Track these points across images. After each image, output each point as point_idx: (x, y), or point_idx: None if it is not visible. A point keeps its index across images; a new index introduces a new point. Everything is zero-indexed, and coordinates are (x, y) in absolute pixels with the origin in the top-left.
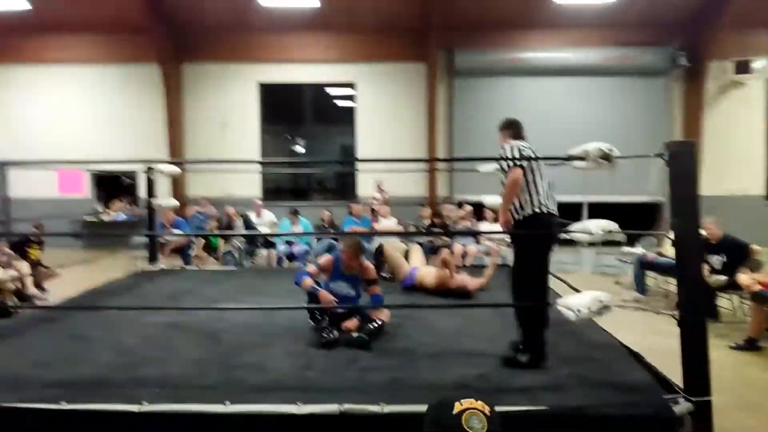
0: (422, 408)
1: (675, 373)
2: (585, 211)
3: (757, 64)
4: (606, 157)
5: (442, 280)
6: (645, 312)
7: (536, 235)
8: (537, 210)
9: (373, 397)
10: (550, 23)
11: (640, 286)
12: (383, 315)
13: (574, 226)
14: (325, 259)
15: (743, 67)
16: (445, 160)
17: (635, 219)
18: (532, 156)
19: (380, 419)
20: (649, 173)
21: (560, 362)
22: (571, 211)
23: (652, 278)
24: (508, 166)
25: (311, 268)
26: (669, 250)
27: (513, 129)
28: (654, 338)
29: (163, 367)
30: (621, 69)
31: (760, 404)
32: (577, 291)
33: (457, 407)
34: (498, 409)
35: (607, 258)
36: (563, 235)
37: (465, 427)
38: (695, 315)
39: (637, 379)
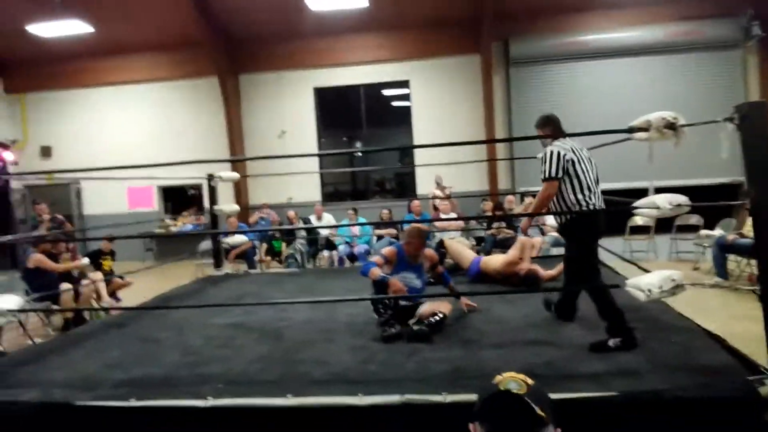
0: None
1: (761, 358)
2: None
3: None
4: (671, 126)
5: (511, 265)
6: (726, 296)
7: (586, 232)
8: (583, 208)
9: (435, 387)
10: (609, 3)
11: (722, 271)
12: (444, 307)
13: (640, 202)
14: (389, 250)
15: None
16: (502, 140)
17: (713, 202)
18: (574, 157)
19: (443, 408)
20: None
21: (633, 349)
22: (636, 197)
23: (734, 262)
24: (546, 172)
25: (376, 258)
26: (751, 231)
27: (551, 126)
28: (737, 323)
29: (227, 364)
30: (689, 44)
31: None
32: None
33: (497, 378)
34: (567, 396)
35: (684, 244)
36: (633, 221)
37: (502, 388)
38: None
39: (718, 361)
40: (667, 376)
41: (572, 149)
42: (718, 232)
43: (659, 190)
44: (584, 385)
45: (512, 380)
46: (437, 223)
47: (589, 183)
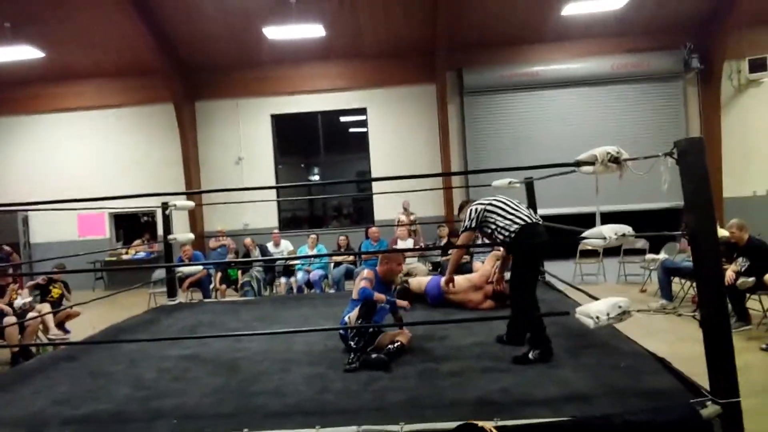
0: (443, 425)
1: (704, 379)
2: (598, 221)
3: None
4: (615, 159)
5: (476, 287)
6: (671, 319)
7: (530, 245)
8: (522, 222)
9: (392, 417)
10: (558, 36)
11: (667, 293)
12: (403, 336)
13: (588, 232)
14: (370, 272)
15: (758, 65)
16: (456, 173)
17: (657, 226)
18: (494, 200)
19: None
20: (665, 182)
21: (584, 372)
22: (585, 222)
23: (678, 284)
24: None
25: (365, 282)
26: None
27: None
28: (682, 345)
29: (180, 398)
30: (634, 75)
31: None
32: (596, 299)
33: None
34: (522, 422)
35: (631, 267)
36: (583, 245)
37: None
38: (717, 314)
39: (664, 384)
40: (616, 401)
41: (489, 199)
42: (662, 255)
43: (606, 215)
44: (538, 411)
45: None
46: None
47: (513, 212)
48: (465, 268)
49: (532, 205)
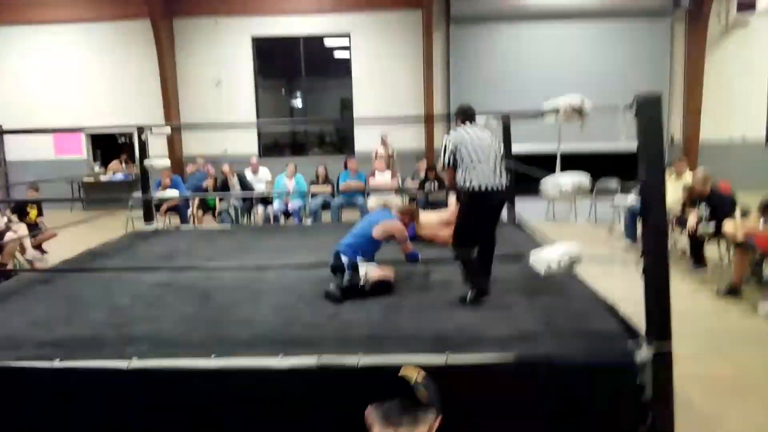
0: (397, 359)
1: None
2: (558, 169)
3: (762, 1)
4: (578, 110)
5: (444, 225)
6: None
7: (473, 208)
8: (477, 188)
9: (351, 349)
10: None
11: (631, 234)
12: (389, 271)
13: (544, 181)
14: (401, 226)
15: (746, 4)
16: (427, 118)
17: (631, 167)
18: (461, 142)
19: (357, 370)
20: (623, 134)
21: (536, 313)
22: (564, 161)
23: None
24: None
25: (409, 243)
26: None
27: (462, 115)
28: (638, 286)
29: (153, 324)
30: (623, 11)
31: (733, 352)
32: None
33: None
34: (470, 358)
35: (602, 206)
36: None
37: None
38: (658, 264)
39: (608, 328)
40: (561, 342)
41: (464, 132)
42: (631, 197)
43: (580, 156)
44: (487, 348)
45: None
46: (371, 182)
47: (491, 165)
48: (440, 203)
49: (507, 143)
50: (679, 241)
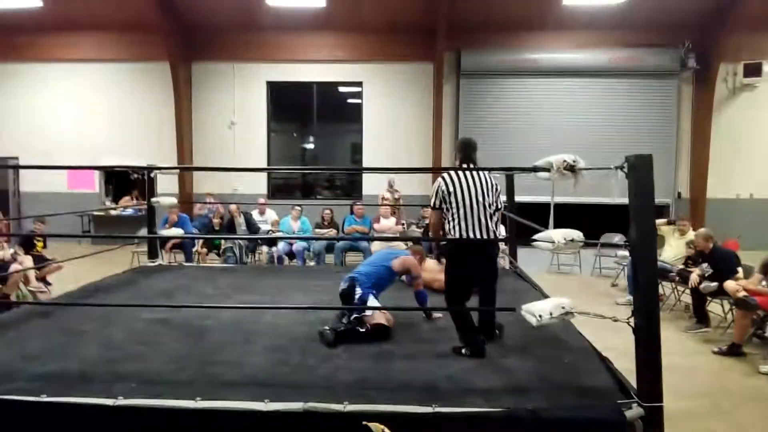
0: (384, 408)
1: None
2: (551, 225)
3: None
4: (570, 168)
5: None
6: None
7: (457, 260)
8: (464, 233)
9: (338, 396)
10: (559, 25)
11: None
12: (381, 319)
13: (538, 236)
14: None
15: (753, 70)
16: (444, 169)
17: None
18: (452, 188)
19: (342, 417)
20: (616, 194)
21: (528, 364)
22: (565, 211)
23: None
24: (430, 202)
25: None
26: (666, 252)
27: (462, 152)
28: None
29: (144, 362)
30: (630, 70)
31: (731, 410)
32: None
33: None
34: (458, 410)
35: (606, 260)
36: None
37: None
38: (649, 323)
39: (600, 383)
40: (551, 395)
41: (457, 179)
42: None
43: (588, 206)
44: (475, 400)
45: None
46: (376, 227)
47: (477, 215)
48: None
49: (510, 196)
50: (682, 298)
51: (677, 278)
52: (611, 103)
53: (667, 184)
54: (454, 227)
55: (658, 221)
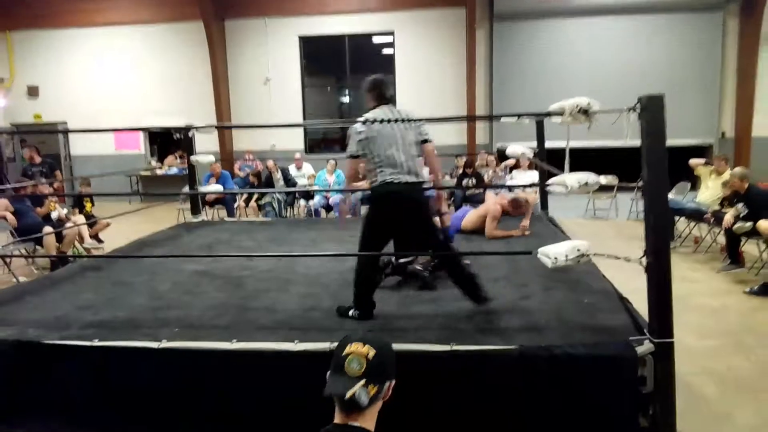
0: (404, 347)
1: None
2: (567, 168)
3: None
4: (584, 111)
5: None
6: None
7: (379, 206)
8: (386, 180)
9: (362, 336)
10: None
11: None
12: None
13: (552, 180)
14: None
15: None
16: (477, 118)
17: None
18: (373, 132)
19: None
20: (696, 114)
21: (548, 305)
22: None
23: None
24: (347, 149)
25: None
26: (702, 194)
27: (373, 92)
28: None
29: (186, 309)
30: (672, 5)
31: (753, 347)
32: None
33: (347, 349)
34: (474, 348)
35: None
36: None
37: (346, 368)
38: (660, 262)
39: (615, 322)
40: (566, 334)
41: (375, 125)
42: (671, 195)
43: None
44: (491, 339)
45: (355, 357)
46: None
47: (401, 158)
48: (476, 199)
49: (540, 142)
50: (718, 239)
51: (712, 219)
52: (652, 42)
53: (710, 123)
54: (377, 174)
55: (695, 161)
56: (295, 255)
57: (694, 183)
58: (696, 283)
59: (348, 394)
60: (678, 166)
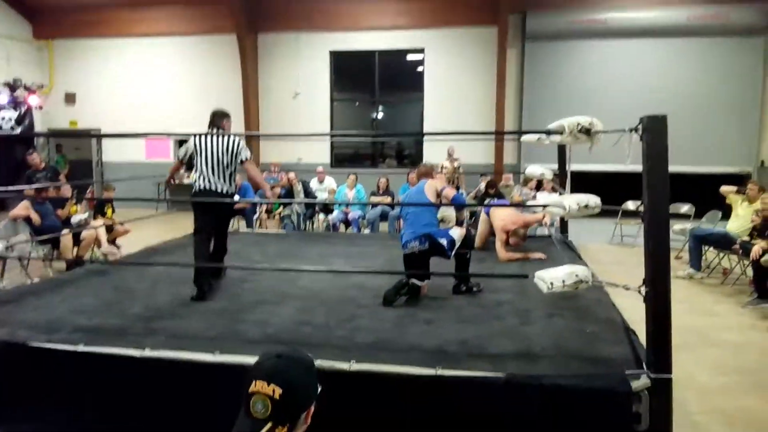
0: (388, 368)
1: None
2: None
3: None
4: (585, 131)
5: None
6: (693, 287)
7: (196, 205)
8: (197, 187)
9: (347, 356)
10: None
11: (696, 261)
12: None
13: (550, 200)
14: None
15: None
16: (502, 133)
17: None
18: (203, 147)
19: (347, 376)
20: (734, 142)
21: (548, 332)
22: (628, 179)
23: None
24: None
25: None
26: (731, 223)
27: (210, 119)
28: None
29: (179, 320)
30: (710, 29)
31: None
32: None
33: (252, 387)
34: (459, 373)
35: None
36: (625, 205)
37: (251, 409)
38: (659, 292)
39: (615, 354)
40: (560, 363)
41: (201, 141)
42: (702, 223)
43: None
44: (480, 365)
45: (259, 400)
46: None
47: (209, 168)
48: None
49: (562, 163)
50: (748, 271)
51: (740, 250)
52: (689, 66)
53: (749, 151)
54: (196, 179)
55: (726, 189)
56: (289, 269)
57: (727, 212)
58: (719, 317)
59: None
60: (714, 194)
